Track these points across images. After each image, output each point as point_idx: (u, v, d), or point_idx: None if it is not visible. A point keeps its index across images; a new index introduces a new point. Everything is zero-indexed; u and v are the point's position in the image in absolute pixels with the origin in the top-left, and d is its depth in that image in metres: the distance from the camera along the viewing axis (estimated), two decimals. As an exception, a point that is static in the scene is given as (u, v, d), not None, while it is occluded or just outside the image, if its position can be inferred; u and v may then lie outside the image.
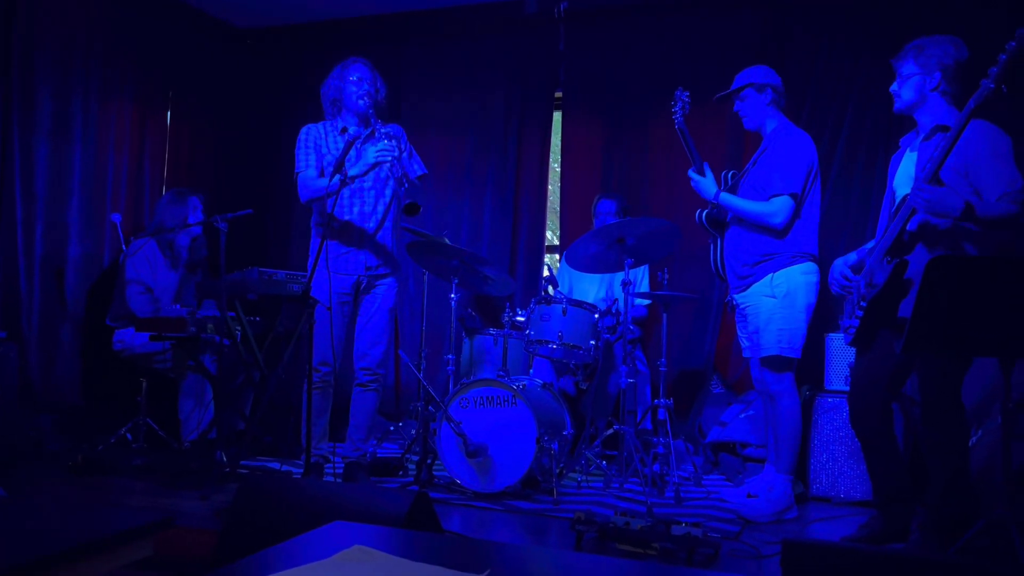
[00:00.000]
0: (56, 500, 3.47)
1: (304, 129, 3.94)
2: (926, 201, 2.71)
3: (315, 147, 3.89)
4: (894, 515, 3.08)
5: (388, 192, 3.93)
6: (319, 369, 3.84)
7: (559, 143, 5.64)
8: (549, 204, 5.83)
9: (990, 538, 2.58)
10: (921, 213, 2.77)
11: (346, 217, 3.85)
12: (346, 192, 3.80)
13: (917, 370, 2.99)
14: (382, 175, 3.87)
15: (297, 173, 3.89)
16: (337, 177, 3.56)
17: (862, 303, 2.99)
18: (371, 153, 3.65)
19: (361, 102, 3.80)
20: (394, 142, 3.64)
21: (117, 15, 5.21)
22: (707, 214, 3.77)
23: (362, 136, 3.86)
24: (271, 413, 4.52)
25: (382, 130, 3.68)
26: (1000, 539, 2.54)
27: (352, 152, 3.74)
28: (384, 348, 3.99)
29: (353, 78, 3.87)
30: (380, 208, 3.91)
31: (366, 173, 3.72)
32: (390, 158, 3.61)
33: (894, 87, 3.09)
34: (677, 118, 3.74)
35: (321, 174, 3.86)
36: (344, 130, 3.87)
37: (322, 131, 3.93)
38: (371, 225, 3.90)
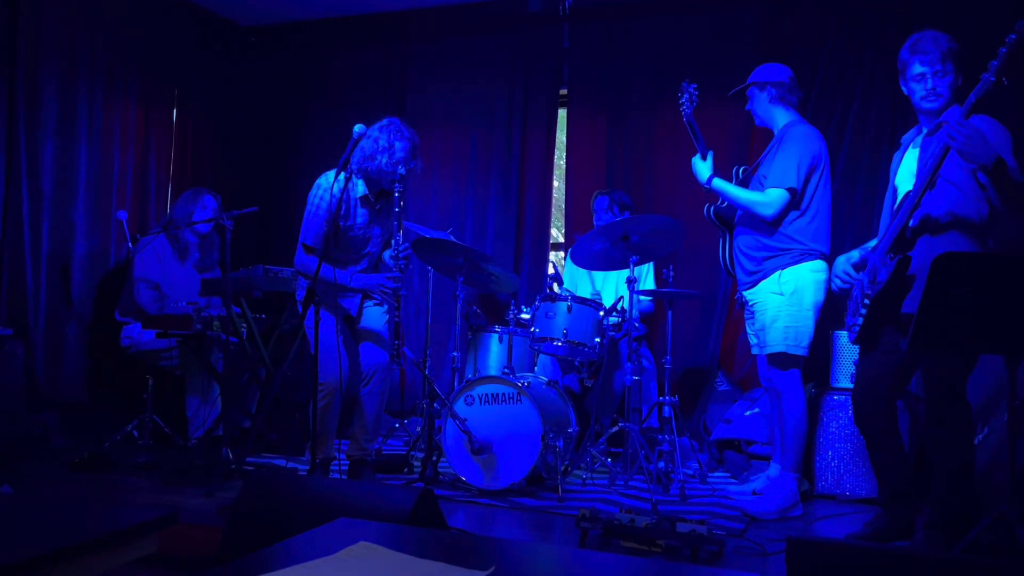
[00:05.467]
0: (60, 497, 3.49)
1: (323, 190, 3.72)
2: (966, 137, 2.55)
3: (328, 219, 3.66)
4: (899, 513, 3.07)
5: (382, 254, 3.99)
6: (324, 386, 3.69)
7: (564, 140, 5.64)
8: (554, 201, 5.82)
9: (995, 535, 2.58)
10: (955, 146, 2.59)
11: (334, 277, 3.75)
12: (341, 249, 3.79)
13: (922, 368, 2.98)
14: (377, 246, 3.95)
15: (301, 243, 3.78)
16: (341, 178, 3.53)
17: (865, 301, 2.98)
18: (375, 281, 3.77)
19: (391, 185, 3.73)
20: (397, 272, 3.71)
21: (121, 14, 5.22)
22: (715, 210, 3.76)
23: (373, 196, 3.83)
24: (277, 410, 4.53)
25: (398, 258, 3.71)
26: (1005, 536, 2.54)
27: (360, 212, 3.78)
28: (390, 349, 3.98)
29: (397, 156, 3.69)
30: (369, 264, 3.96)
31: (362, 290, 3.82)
32: (388, 291, 3.75)
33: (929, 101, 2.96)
34: (685, 110, 3.73)
35: (329, 222, 3.66)
36: (366, 198, 3.80)
37: (342, 196, 3.61)
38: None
